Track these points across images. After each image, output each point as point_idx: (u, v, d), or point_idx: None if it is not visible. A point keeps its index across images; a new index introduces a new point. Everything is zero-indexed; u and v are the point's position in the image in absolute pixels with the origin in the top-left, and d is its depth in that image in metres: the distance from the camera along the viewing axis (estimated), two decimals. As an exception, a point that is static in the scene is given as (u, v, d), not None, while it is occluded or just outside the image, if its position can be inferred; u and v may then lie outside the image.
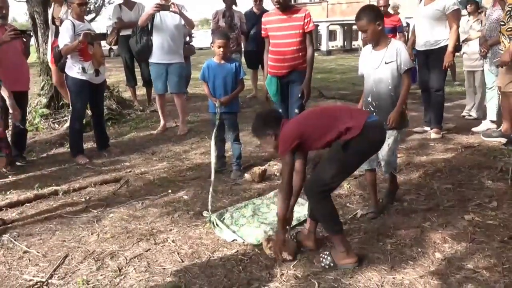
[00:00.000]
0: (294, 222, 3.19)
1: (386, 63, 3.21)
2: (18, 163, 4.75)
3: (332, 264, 2.64)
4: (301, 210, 3.39)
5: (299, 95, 4.14)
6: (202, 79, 4.31)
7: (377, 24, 3.13)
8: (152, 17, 5.70)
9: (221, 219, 3.27)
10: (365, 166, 3.22)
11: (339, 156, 2.62)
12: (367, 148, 2.68)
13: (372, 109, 3.31)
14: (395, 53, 3.19)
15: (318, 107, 2.87)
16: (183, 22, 5.76)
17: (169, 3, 5.57)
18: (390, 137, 3.20)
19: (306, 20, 4.03)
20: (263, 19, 4.30)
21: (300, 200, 3.55)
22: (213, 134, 3.93)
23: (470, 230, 2.99)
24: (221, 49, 4.14)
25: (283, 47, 4.12)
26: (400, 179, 3.95)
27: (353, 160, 2.68)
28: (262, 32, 4.30)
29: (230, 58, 4.39)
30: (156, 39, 5.77)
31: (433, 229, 3.03)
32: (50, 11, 5.95)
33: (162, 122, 6.21)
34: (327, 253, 2.68)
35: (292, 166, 2.69)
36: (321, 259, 2.68)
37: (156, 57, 5.84)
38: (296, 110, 4.19)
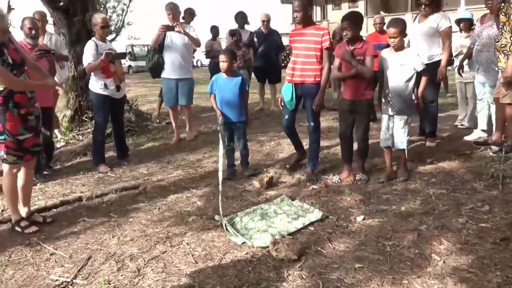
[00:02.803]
0: (299, 225, 3.19)
1: (401, 65, 3.89)
2: (45, 172, 4.79)
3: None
4: (304, 214, 3.38)
5: (313, 107, 4.12)
6: (210, 91, 4.37)
7: (403, 35, 3.93)
8: (163, 37, 5.80)
9: (232, 223, 3.27)
10: (382, 144, 4.09)
11: None
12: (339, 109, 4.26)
13: (388, 99, 3.98)
14: (409, 58, 3.91)
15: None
16: None
17: (175, 24, 5.67)
18: (401, 120, 3.96)
19: (324, 38, 4.01)
20: (290, 33, 4.34)
21: (305, 205, 3.56)
22: (220, 144, 3.91)
23: (464, 232, 2.96)
24: (222, 64, 4.23)
25: (296, 57, 4.15)
26: (398, 184, 3.95)
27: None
28: (289, 44, 4.34)
29: (236, 72, 4.43)
30: (167, 57, 5.87)
31: (429, 232, 3.01)
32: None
33: (175, 133, 6.27)
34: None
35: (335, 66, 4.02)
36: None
37: (167, 73, 5.96)
38: (312, 124, 4.22)
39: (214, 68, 8.65)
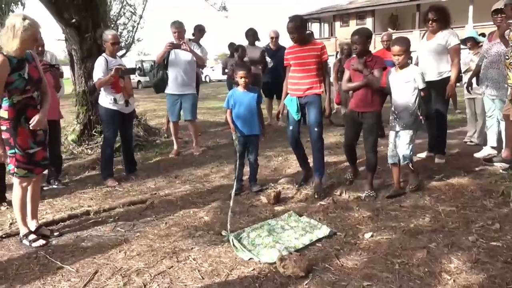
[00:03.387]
0: (307, 242, 3.17)
1: (406, 82, 3.97)
2: (54, 186, 4.81)
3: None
4: (311, 230, 3.36)
5: (324, 113, 4.34)
6: (226, 106, 4.40)
7: (408, 53, 3.99)
8: (168, 54, 5.92)
9: (239, 238, 3.25)
10: (390, 160, 4.16)
11: None
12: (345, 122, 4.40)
13: (395, 116, 4.06)
14: (413, 75, 3.96)
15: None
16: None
17: (181, 42, 5.77)
18: (407, 135, 4.00)
19: (323, 51, 4.22)
20: (286, 51, 4.44)
21: (312, 221, 3.54)
22: (237, 159, 3.95)
23: (474, 251, 2.91)
24: (243, 79, 4.28)
25: (299, 72, 4.27)
26: (406, 201, 3.91)
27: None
28: (285, 62, 4.43)
29: (251, 87, 4.47)
30: (171, 73, 6.01)
31: (439, 250, 2.96)
32: None
33: (175, 147, 6.40)
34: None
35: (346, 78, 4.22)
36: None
37: (171, 89, 6.10)
38: (316, 129, 4.26)
39: (231, 84, 8.75)
